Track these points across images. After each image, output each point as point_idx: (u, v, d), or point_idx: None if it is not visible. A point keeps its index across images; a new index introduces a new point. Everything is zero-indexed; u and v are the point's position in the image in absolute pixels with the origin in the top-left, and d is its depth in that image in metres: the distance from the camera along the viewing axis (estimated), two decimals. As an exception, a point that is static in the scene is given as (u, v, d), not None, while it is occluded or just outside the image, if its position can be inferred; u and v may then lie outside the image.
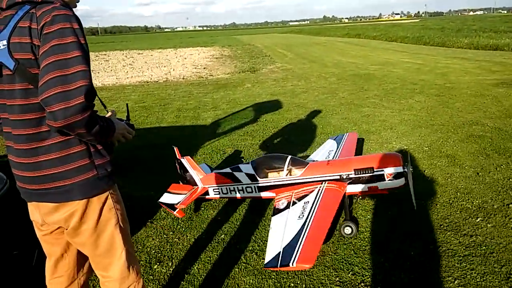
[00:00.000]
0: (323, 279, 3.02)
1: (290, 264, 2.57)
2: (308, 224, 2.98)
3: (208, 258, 3.40)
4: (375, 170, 3.61)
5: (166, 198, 4.07)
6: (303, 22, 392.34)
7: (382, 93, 10.23)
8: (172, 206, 3.88)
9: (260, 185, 3.92)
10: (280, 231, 2.97)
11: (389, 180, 3.61)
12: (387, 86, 11.10)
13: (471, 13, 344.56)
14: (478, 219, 3.74)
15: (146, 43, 52.36)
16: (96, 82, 14.42)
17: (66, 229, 1.89)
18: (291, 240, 2.80)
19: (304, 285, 2.97)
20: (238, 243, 3.60)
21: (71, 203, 1.79)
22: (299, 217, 3.12)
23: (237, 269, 3.21)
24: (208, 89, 12.27)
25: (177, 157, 4.30)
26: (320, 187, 3.58)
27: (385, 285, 2.93)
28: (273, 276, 3.09)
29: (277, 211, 3.33)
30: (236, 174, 3.99)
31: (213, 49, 32.40)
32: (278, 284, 3.00)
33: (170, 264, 3.34)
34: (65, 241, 2.03)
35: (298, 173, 3.80)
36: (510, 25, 36.75)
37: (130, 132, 2.01)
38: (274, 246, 2.79)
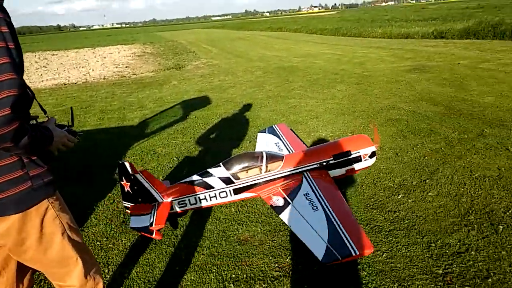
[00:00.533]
0: (262, 267, 3.11)
1: (353, 253, 2.59)
2: (330, 213, 2.99)
3: (146, 260, 3.33)
4: (352, 153, 3.82)
5: (135, 222, 3.46)
6: (225, 17, 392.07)
7: (306, 84, 10.57)
8: (146, 230, 3.35)
9: (237, 187, 3.66)
10: (306, 227, 2.92)
11: (365, 160, 3.86)
12: (310, 77, 11.50)
13: (383, 3, 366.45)
14: (400, 196, 4.04)
15: (60, 43, 49.29)
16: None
17: (8, 247, 1.79)
18: (330, 233, 2.79)
19: (245, 275, 3.03)
20: (174, 242, 3.57)
21: (5, 218, 1.69)
22: (313, 209, 3.10)
23: (177, 268, 3.19)
24: (132, 89, 11.89)
25: (131, 172, 3.49)
26: (306, 177, 3.59)
27: (321, 265, 3.07)
28: (214, 270, 3.11)
29: (280, 208, 3.25)
30: (207, 179, 3.63)
31: (134, 47, 31.37)
32: (220, 277, 3.03)
33: (106, 270, 3.23)
34: (3, 258, 1.94)
35: (277, 168, 3.68)
36: (418, 14, 39.70)
37: (71, 140, 1.93)
38: (315, 242, 2.75)
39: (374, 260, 3.09)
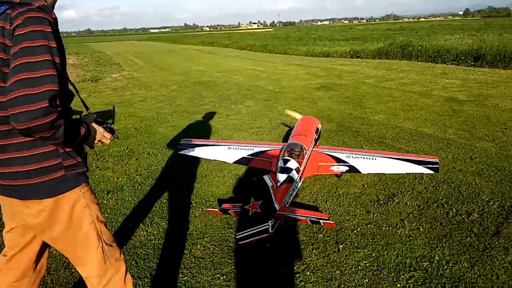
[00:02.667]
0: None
1: (438, 161, 4.01)
2: (385, 156, 4.15)
3: None
4: (318, 128, 4.94)
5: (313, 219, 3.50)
6: (165, 30, 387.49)
7: (217, 99, 10.56)
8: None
9: (300, 173, 4.11)
10: (394, 167, 3.92)
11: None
12: (223, 93, 11.51)
13: (319, 23, 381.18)
14: (261, 215, 4.03)
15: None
16: None
17: (37, 227, 1.94)
18: (410, 161, 3.95)
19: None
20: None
21: (39, 201, 1.84)
22: (371, 159, 4.06)
23: None
24: (36, 101, 11.18)
25: (271, 185, 3.53)
26: (319, 151, 4.47)
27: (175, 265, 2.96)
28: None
29: (351, 169, 4.02)
30: (291, 174, 3.89)
31: (57, 57, 29.82)
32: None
33: None
34: (30, 237, 2.09)
35: (306, 150, 4.33)
36: (344, 34, 41.63)
37: (108, 137, 2.05)
38: (415, 168, 3.85)
39: (212, 283, 3.02)
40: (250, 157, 4.55)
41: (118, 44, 57.59)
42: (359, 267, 3.14)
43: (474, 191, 4.34)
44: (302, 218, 3.49)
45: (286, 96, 10.55)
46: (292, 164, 3.98)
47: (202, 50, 34.49)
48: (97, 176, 5.26)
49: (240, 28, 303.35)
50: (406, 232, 3.60)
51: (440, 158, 5.37)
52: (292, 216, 3.49)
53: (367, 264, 3.17)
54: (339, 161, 4.17)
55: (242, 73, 16.27)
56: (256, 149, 4.66)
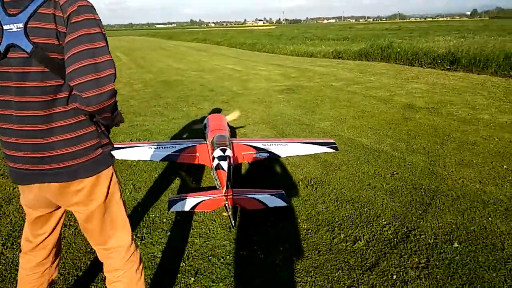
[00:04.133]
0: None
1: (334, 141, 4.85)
2: (292, 141, 4.91)
3: None
4: (227, 123, 5.44)
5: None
6: (170, 25, 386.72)
7: (174, 100, 10.20)
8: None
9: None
10: (301, 150, 4.60)
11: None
12: (184, 93, 11.16)
13: (325, 21, 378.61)
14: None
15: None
16: None
17: (74, 206, 1.99)
18: (312, 144, 4.67)
19: None
20: None
21: (79, 181, 1.90)
22: (284, 145, 4.63)
23: None
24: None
25: None
26: (237, 142, 4.79)
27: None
28: None
29: (271, 154, 4.46)
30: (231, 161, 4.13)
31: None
32: None
33: None
34: (55, 223, 2.16)
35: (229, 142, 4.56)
36: (340, 33, 41.12)
37: (122, 119, 2.15)
38: (319, 149, 4.57)
39: None
40: (175, 154, 4.57)
41: (115, 39, 57.35)
42: (200, 304, 2.78)
43: (376, 213, 3.97)
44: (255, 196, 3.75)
45: (245, 98, 10.17)
46: (229, 152, 4.21)
47: (193, 47, 34.15)
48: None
49: (246, 25, 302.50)
50: (276, 262, 3.22)
51: (360, 173, 5.00)
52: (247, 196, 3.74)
53: (210, 301, 2.80)
54: (258, 149, 4.51)
55: (217, 72, 15.91)
56: (178, 146, 4.70)
